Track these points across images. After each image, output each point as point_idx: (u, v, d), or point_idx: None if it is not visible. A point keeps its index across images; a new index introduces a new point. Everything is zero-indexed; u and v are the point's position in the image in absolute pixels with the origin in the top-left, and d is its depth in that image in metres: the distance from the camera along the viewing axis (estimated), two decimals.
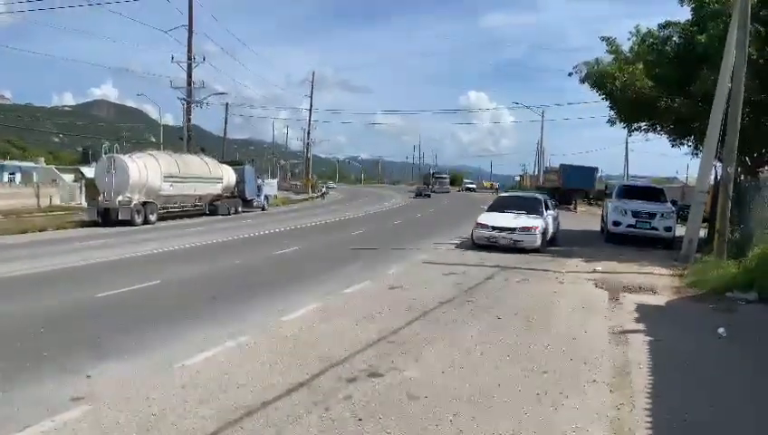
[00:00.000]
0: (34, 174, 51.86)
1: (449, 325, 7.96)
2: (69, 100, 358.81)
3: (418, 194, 65.77)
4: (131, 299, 9.93)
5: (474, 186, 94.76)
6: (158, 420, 4.73)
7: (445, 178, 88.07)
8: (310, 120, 71.20)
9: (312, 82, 68.89)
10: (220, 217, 32.25)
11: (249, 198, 37.44)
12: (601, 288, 11.13)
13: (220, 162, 36.56)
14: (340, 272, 12.65)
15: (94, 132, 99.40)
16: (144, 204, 26.68)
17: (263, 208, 39.37)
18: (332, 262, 14.17)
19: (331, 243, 19.01)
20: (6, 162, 57.30)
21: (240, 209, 35.42)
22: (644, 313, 9.03)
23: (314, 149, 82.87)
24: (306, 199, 57.86)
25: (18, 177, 52.36)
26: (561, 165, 50.08)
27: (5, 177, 51.76)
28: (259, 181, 40.76)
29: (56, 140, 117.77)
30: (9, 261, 14.44)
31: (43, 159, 67.61)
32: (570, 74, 20.12)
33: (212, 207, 33.09)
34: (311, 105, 70.15)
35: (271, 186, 46.42)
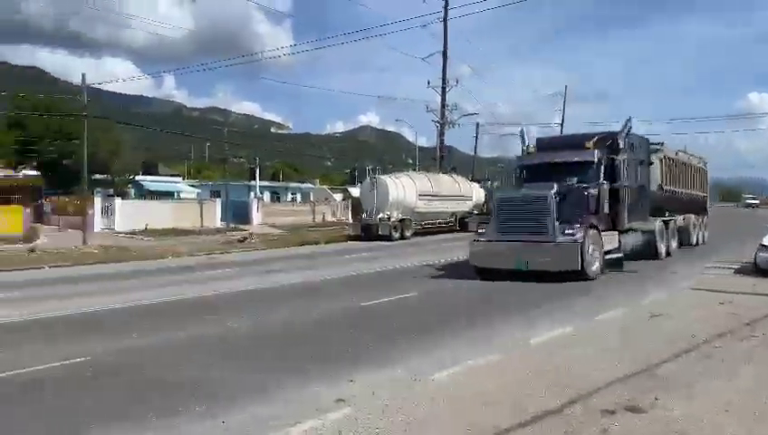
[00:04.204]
0: (311, 194, 59.81)
1: (725, 362, 6.94)
2: (339, 127, 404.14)
3: None
4: (390, 309, 10.74)
5: (757, 201, 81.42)
6: (413, 430, 4.98)
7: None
8: (561, 133, 69.15)
9: (565, 97, 66.95)
10: (471, 233, 33.04)
11: None
12: None
13: (470, 180, 37.64)
14: (591, 295, 11.99)
15: (360, 156, 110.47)
16: (401, 220, 28.71)
17: None
18: (585, 283, 13.47)
19: None
20: (290, 184, 67.06)
21: None
22: None
23: None
24: None
25: (299, 196, 60.92)
26: None
27: (289, 196, 60.69)
28: None
29: (328, 163, 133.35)
30: (290, 271, 16.79)
31: (317, 180, 77.80)
32: None
33: (462, 224, 34.13)
34: (562, 120, 68.05)
35: None
